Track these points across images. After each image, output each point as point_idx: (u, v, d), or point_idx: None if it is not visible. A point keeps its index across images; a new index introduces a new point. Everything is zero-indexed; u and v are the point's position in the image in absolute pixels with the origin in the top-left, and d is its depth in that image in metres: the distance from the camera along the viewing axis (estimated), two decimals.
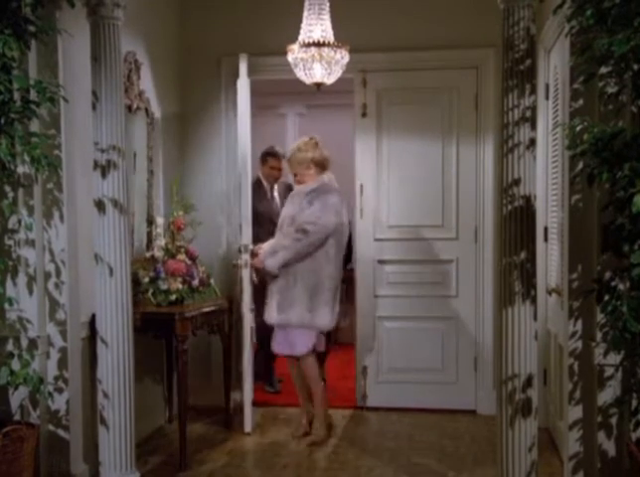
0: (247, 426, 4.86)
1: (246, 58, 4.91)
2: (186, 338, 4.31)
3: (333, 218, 4.64)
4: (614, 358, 3.16)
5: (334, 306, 4.70)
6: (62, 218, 3.67)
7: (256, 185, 5.77)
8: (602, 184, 2.94)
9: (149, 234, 4.84)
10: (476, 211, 5.28)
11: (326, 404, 4.87)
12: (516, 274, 3.27)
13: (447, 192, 5.31)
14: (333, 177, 4.82)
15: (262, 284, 4.86)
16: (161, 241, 4.67)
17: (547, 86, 4.66)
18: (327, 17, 4.49)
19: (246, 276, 4.84)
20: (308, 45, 4.41)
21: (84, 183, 3.81)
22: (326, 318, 4.65)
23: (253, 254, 4.79)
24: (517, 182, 3.26)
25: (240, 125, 4.96)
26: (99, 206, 3.64)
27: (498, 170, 3.53)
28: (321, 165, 4.76)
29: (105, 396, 3.66)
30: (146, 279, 4.43)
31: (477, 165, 5.26)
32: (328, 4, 4.49)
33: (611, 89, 3.09)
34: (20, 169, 3.48)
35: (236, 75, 5.31)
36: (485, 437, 4.72)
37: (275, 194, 5.94)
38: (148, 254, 4.67)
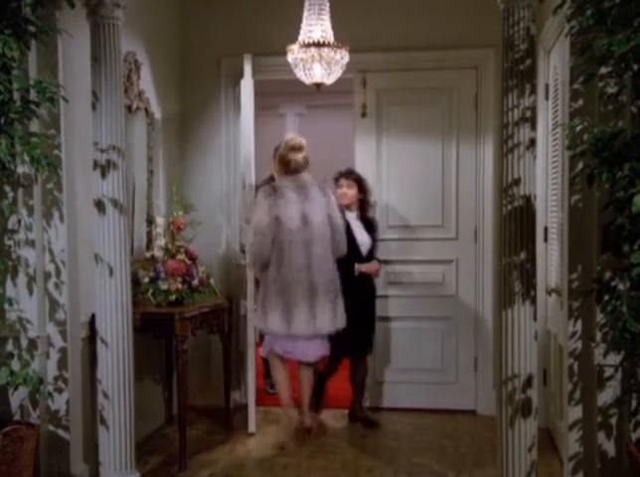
0: (252, 427, 4.86)
1: (251, 58, 4.91)
2: (186, 338, 4.31)
3: (259, 221, 4.48)
4: (614, 358, 3.16)
5: (287, 313, 4.48)
6: (61, 218, 3.67)
7: (269, 182, 5.71)
8: (602, 184, 2.94)
9: (149, 233, 4.85)
10: (476, 211, 5.28)
11: (289, 404, 4.72)
12: (516, 274, 3.27)
13: (447, 192, 5.31)
14: (288, 179, 4.58)
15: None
16: (161, 241, 4.67)
17: (546, 87, 4.66)
18: (327, 17, 4.50)
19: (251, 276, 4.83)
20: (308, 45, 4.42)
21: (84, 183, 3.81)
22: (275, 322, 4.50)
23: None
24: (517, 182, 3.26)
25: (244, 126, 4.96)
26: (99, 206, 3.64)
27: (498, 170, 3.53)
28: (284, 165, 4.61)
29: (105, 396, 3.66)
30: (146, 279, 4.43)
31: (477, 165, 5.26)
32: (328, 4, 4.50)
33: (611, 90, 3.09)
34: (20, 169, 3.49)
35: (235, 75, 5.33)
36: (485, 437, 4.72)
37: None
38: (148, 254, 4.67)
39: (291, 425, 4.69)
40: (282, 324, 4.52)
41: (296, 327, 4.51)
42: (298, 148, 4.61)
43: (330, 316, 4.57)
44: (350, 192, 5.02)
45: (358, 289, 4.88)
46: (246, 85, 4.91)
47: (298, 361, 4.69)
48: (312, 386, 4.90)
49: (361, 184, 5.06)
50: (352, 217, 5.01)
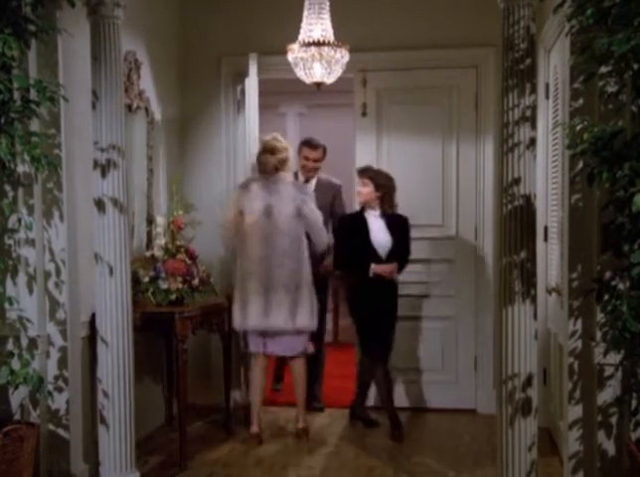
0: (254, 427, 4.80)
1: (256, 57, 4.91)
2: (186, 337, 4.31)
3: (226, 214, 4.76)
4: (614, 357, 3.15)
5: (243, 306, 4.57)
6: (61, 217, 3.67)
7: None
8: (602, 183, 2.93)
9: (149, 233, 4.85)
10: (476, 210, 5.28)
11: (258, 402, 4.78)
12: (516, 274, 3.27)
13: (447, 191, 5.31)
14: (256, 179, 4.74)
15: None
16: (161, 241, 4.67)
17: (547, 86, 4.65)
18: (327, 16, 4.50)
19: None
20: (308, 44, 4.42)
21: (84, 182, 3.81)
22: (235, 315, 4.64)
23: None
24: (517, 181, 3.26)
25: (250, 125, 4.99)
26: (99, 205, 3.64)
27: (498, 169, 3.53)
28: (257, 164, 4.75)
29: (105, 395, 3.66)
30: (146, 279, 4.43)
31: (477, 164, 5.26)
32: (328, 3, 4.50)
33: (611, 89, 3.09)
34: (20, 168, 3.49)
35: (236, 74, 5.34)
36: (485, 437, 4.71)
37: (310, 187, 5.24)
38: (148, 254, 4.67)
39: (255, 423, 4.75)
40: (239, 317, 4.61)
41: (250, 321, 4.57)
42: (270, 151, 4.65)
43: (286, 313, 4.54)
44: (364, 190, 4.87)
45: (375, 291, 4.81)
46: (252, 85, 4.94)
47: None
48: (305, 382, 4.80)
49: (377, 181, 4.85)
50: (373, 215, 4.88)
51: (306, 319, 4.62)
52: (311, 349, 4.82)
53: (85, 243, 3.81)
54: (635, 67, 2.78)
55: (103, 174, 3.63)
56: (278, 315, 4.55)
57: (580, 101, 3.34)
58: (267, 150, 4.66)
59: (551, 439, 4.56)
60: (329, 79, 4.58)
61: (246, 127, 5.05)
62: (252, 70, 4.91)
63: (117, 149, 3.64)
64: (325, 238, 4.76)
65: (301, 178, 5.31)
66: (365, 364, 4.98)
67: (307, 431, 4.79)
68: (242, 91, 5.35)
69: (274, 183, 4.64)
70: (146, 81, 4.84)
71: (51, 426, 3.68)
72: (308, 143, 5.26)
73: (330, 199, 5.23)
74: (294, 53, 4.48)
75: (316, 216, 4.68)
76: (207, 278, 4.63)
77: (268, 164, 4.65)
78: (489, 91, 5.16)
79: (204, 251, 4.84)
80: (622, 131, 2.86)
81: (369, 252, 4.82)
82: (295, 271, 4.59)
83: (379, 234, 4.87)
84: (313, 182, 5.33)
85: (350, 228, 4.89)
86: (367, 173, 4.92)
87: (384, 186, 4.88)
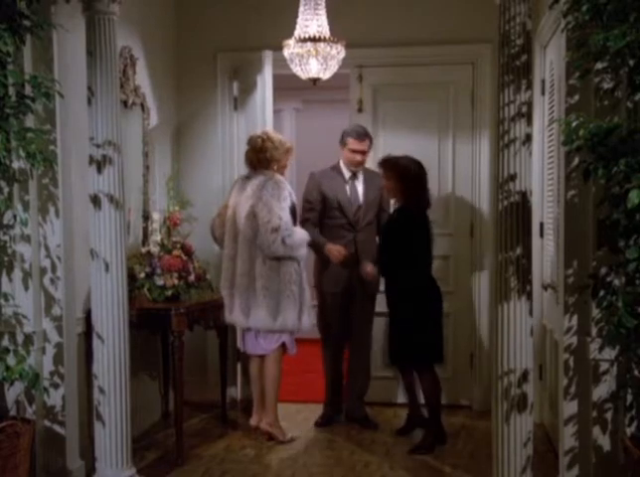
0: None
1: (271, 55, 4.98)
2: (182, 333, 4.31)
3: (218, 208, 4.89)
4: (609, 353, 3.16)
5: (227, 305, 4.59)
6: (57, 213, 3.66)
7: (334, 168, 5.05)
8: (598, 179, 2.93)
9: (145, 229, 4.84)
10: (472, 206, 5.28)
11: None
12: (511, 270, 3.27)
13: (443, 187, 5.31)
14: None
15: None
16: (157, 237, 4.66)
17: (542, 82, 4.65)
18: (323, 12, 4.50)
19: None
20: (304, 40, 4.42)
21: (80, 178, 3.81)
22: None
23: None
24: (513, 177, 3.26)
25: (263, 123, 5.06)
26: (95, 201, 3.64)
27: (494, 165, 3.53)
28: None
29: (101, 391, 3.66)
30: (142, 275, 4.43)
31: (473, 160, 5.27)
32: None
33: (607, 85, 3.09)
34: (15, 164, 3.47)
35: (232, 70, 5.36)
36: (481, 432, 4.72)
37: (358, 183, 4.99)
38: (144, 250, 4.66)
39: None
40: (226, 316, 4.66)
41: (224, 313, 4.64)
42: (252, 147, 4.64)
43: (242, 312, 4.53)
44: (387, 184, 4.63)
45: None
46: (267, 83, 5.09)
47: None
48: (271, 384, 4.62)
49: (387, 173, 4.58)
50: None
51: (262, 319, 4.48)
52: (292, 351, 4.68)
53: (81, 240, 3.81)
54: (631, 63, 2.78)
55: (99, 170, 3.63)
56: (237, 312, 4.55)
57: (576, 98, 3.34)
58: (250, 146, 4.67)
59: (546, 435, 4.57)
60: (325, 75, 4.58)
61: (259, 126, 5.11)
62: (267, 68, 5.00)
63: (113, 145, 3.63)
64: (268, 245, 4.42)
65: (346, 172, 4.97)
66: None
67: (259, 431, 4.68)
68: (239, 88, 5.36)
69: (249, 180, 4.62)
70: (142, 77, 4.83)
71: (47, 422, 3.68)
72: (354, 134, 4.89)
73: (379, 192, 4.91)
74: (290, 48, 4.48)
75: (266, 215, 4.41)
76: (203, 274, 4.63)
77: (248, 160, 4.69)
78: (485, 88, 5.16)
79: (200, 248, 4.84)
80: (618, 127, 2.86)
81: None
82: (246, 273, 4.50)
83: None
84: (360, 177, 4.98)
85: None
86: (384, 164, 4.61)
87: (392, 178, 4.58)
